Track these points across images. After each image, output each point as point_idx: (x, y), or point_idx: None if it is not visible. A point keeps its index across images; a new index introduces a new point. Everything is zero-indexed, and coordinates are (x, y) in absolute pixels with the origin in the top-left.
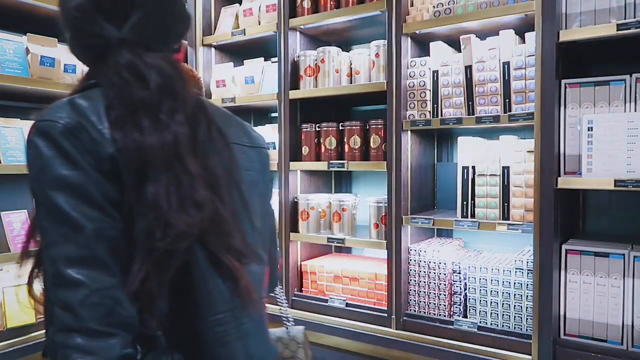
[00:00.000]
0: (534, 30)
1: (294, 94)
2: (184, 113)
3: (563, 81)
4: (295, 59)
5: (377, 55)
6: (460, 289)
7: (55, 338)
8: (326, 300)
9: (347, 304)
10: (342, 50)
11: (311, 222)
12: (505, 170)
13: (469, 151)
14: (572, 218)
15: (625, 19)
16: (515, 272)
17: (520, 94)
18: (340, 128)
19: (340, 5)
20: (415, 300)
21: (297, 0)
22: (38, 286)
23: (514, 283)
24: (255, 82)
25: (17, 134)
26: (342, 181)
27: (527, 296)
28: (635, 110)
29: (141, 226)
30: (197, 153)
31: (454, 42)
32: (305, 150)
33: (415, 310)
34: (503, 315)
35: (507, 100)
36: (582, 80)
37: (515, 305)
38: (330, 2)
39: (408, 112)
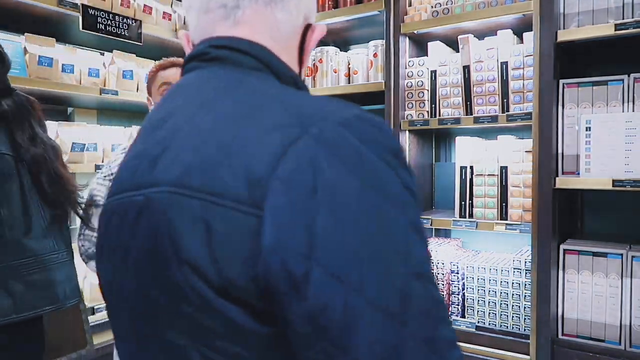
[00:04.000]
0: (532, 30)
1: None
2: None
3: (561, 81)
4: None
5: (375, 55)
6: (458, 288)
7: None
8: None
9: None
10: (340, 50)
11: None
12: (504, 170)
13: (467, 151)
14: (570, 218)
15: (623, 19)
16: (514, 272)
17: (519, 94)
18: None
19: (339, 5)
20: None
21: None
22: None
23: (512, 283)
24: None
25: None
26: None
27: (525, 296)
28: (633, 110)
29: None
30: None
31: (452, 42)
32: None
33: None
34: (501, 315)
35: (505, 100)
36: (580, 80)
37: (513, 305)
38: (329, 2)
39: (406, 112)
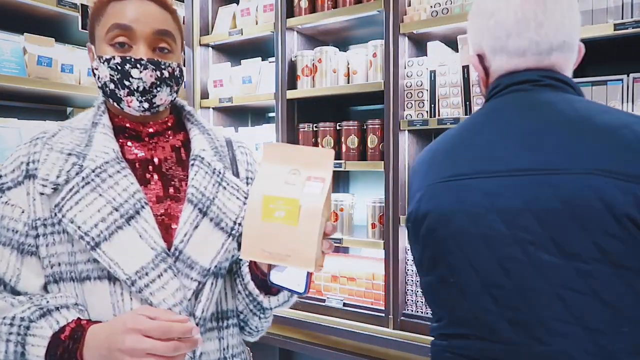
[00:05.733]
0: None
1: (291, 94)
2: None
3: None
4: (293, 59)
5: (374, 55)
6: None
7: None
8: (324, 300)
9: (345, 304)
10: (340, 50)
11: None
12: None
13: None
14: None
15: (622, 18)
16: None
17: None
18: (338, 128)
19: (338, 5)
20: (412, 300)
21: (294, 0)
22: None
23: None
24: (252, 82)
25: (14, 134)
26: (339, 181)
27: None
28: (633, 110)
29: None
30: None
31: (451, 42)
32: None
33: (412, 310)
34: None
35: None
36: (580, 80)
37: None
38: (328, 1)
39: (405, 112)
